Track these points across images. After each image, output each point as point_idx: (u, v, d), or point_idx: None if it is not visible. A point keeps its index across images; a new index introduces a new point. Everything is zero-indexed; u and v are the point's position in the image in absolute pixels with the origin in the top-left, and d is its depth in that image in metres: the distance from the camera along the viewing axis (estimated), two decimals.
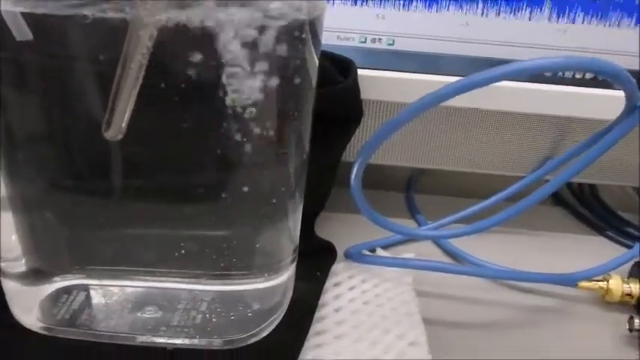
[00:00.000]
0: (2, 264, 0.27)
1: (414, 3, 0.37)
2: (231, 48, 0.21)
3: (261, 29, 0.21)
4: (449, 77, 0.38)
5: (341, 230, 0.41)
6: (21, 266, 0.28)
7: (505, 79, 0.22)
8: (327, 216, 0.43)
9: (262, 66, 0.22)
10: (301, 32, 0.23)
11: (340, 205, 0.43)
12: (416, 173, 0.53)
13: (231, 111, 0.23)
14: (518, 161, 0.44)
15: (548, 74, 0.39)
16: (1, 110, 0.23)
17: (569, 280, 0.35)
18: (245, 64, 0.22)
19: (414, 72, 0.38)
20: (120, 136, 0.21)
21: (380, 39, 0.38)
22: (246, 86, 0.23)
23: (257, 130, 0.24)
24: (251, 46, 0.22)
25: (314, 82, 0.26)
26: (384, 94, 0.39)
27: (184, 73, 0.22)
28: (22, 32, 0.22)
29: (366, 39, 0.38)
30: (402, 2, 0.37)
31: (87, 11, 0.20)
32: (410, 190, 0.50)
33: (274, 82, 0.23)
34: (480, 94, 0.37)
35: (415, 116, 0.25)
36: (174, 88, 0.22)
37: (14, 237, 0.27)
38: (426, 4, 0.37)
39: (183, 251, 0.27)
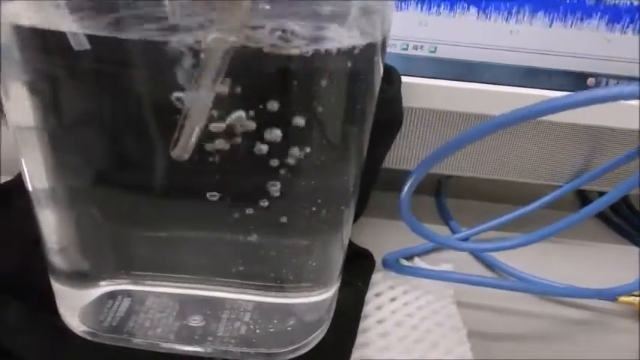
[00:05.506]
0: (51, 265, 0.27)
1: (458, 10, 0.36)
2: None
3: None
4: (491, 85, 0.38)
5: (373, 235, 0.41)
6: (68, 269, 0.28)
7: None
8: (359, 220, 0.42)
9: (338, 78, 0.22)
10: (375, 49, 0.23)
11: (370, 210, 0.43)
12: (445, 177, 0.52)
13: (296, 119, 0.22)
14: (551, 170, 0.43)
15: (590, 84, 0.38)
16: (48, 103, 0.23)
17: (610, 295, 0.35)
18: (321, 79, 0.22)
19: (456, 79, 0.38)
20: (186, 156, 0.20)
21: (422, 46, 0.38)
22: (318, 97, 0.22)
23: (321, 138, 0.24)
24: (327, 62, 0.21)
25: (377, 92, 0.25)
26: (425, 101, 0.38)
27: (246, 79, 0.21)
28: (80, 42, 0.21)
29: (407, 46, 0.38)
30: (445, 9, 0.36)
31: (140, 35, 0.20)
32: (441, 195, 0.49)
33: (345, 93, 0.23)
34: (512, 101, 0.38)
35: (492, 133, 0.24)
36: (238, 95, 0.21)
37: (59, 238, 0.27)
38: (470, 11, 0.36)
39: (233, 260, 0.27)
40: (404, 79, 0.37)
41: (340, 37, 0.20)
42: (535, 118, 0.21)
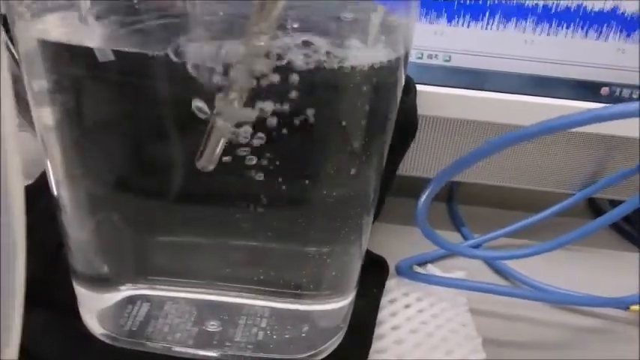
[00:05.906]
0: (72, 268, 0.28)
1: (473, 20, 0.37)
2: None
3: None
4: (505, 95, 0.38)
5: (386, 240, 0.41)
6: (89, 272, 0.28)
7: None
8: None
9: (363, 92, 0.23)
10: (399, 63, 0.23)
11: (383, 215, 0.43)
12: (456, 183, 0.52)
13: (320, 131, 0.23)
14: (563, 177, 0.44)
15: (604, 93, 0.38)
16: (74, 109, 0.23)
17: (621, 303, 0.35)
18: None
19: (470, 88, 0.38)
20: (211, 167, 0.21)
21: (437, 55, 0.38)
22: (342, 109, 0.23)
23: (343, 148, 0.24)
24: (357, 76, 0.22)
25: (398, 103, 0.26)
26: (439, 109, 0.39)
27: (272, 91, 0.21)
28: (105, 54, 0.22)
29: (422, 55, 0.38)
30: (460, 19, 0.37)
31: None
32: (452, 201, 0.50)
33: (369, 105, 0.23)
34: (525, 110, 0.38)
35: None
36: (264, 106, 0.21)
37: (81, 242, 0.27)
38: (484, 20, 0.37)
39: (251, 266, 0.27)
40: (418, 87, 0.37)
41: (365, 54, 0.21)
42: (565, 130, 0.21)
